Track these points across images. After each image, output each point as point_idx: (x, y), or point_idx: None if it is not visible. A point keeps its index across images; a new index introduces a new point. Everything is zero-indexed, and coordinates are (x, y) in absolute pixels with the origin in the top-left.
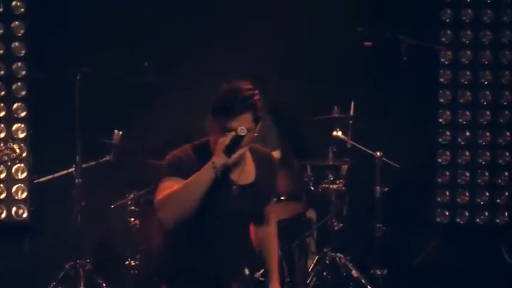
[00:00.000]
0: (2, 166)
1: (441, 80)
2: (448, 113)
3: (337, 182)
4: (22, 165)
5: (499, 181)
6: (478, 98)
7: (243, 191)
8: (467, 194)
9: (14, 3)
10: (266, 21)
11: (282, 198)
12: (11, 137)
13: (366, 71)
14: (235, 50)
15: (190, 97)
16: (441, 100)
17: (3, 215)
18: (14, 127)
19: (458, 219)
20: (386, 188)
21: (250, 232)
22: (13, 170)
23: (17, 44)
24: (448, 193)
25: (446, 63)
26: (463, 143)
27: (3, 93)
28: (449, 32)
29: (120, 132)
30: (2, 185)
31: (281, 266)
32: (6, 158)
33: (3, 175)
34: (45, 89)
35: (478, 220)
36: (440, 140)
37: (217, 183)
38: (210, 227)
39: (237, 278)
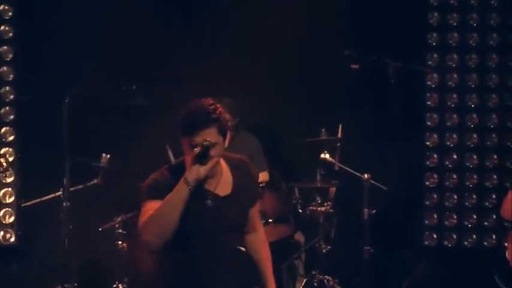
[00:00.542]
0: None
1: (428, 103)
2: (435, 135)
3: (325, 204)
4: (10, 189)
5: (487, 204)
6: (465, 121)
7: (223, 202)
8: (454, 217)
9: (2, 27)
10: (255, 43)
11: (270, 220)
12: None
13: (353, 93)
14: (223, 74)
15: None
16: (428, 123)
17: None
18: (2, 151)
19: (446, 242)
20: (374, 211)
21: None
22: (0, 194)
23: (5, 68)
24: (435, 216)
25: (433, 86)
26: (450, 165)
27: None
28: (435, 55)
29: (108, 156)
30: None
31: None
32: None
33: None
34: (33, 112)
35: (466, 243)
36: (427, 162)
37: (196, 198)
38: (198, 244)
39: None
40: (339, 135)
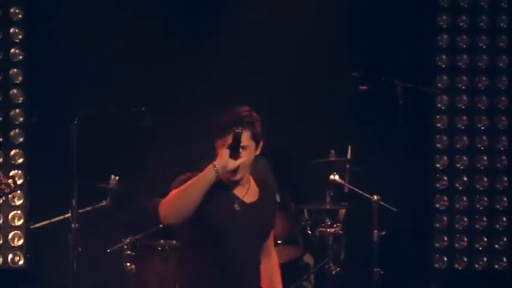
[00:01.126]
0: None
1: (438, 125)
2: (445, 158)
3: (335, 225)
4: (19, 212)
5: (497, 226)
6: (475, 143)
7: (249, 207)
8: (465, 239)
9: (12, 50)
10: (264, 65)
11: (279, 242)
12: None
13: (362, 115)
14: (232, 95)
15: (187, 142)
16: (438, 145)
17: None
18: (11, 173)
19: (456, 265)
20: (384, 232)
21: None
22: (10, 217)
23: (15, 91)
24: (446, 238)
25: (443, 108)
26: (460, 188)
27: (0, 139)
28: (445, 77)
29: (117, 177)
30: None
31: None
32: (1, 194)
33: (0, 221)
34: (42, 133)
35: (476, 266)
36: (437, 185)
37: (224, 201)
38: (225, 249)
39: None
40: (349, 156)
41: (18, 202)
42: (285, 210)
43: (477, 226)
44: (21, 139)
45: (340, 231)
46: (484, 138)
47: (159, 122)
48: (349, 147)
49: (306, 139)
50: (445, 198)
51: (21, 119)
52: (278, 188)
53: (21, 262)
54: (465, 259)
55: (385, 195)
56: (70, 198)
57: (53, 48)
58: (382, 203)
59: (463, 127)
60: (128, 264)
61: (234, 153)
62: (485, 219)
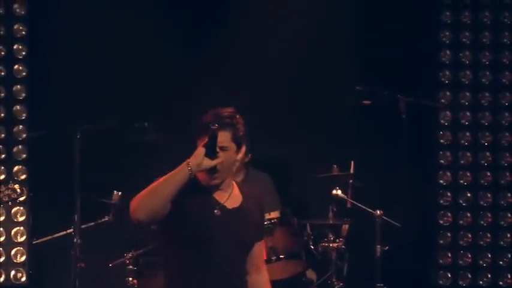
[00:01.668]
0: (1, 228)
1: (441, 141)
2: (448, 174)
3: (337, 240)
4: (21, 228)
5: (501, 243)
6: (479, 159)
7: (230, 213)
8: (469, 256)
9: (15, 66)
10: (266, 78)
11: (281, 256)
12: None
13: (364, 129)
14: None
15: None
16: (441, 161)
17: (1, 279)
18: None
19: (460, 282)
20: (387, 247)
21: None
22: (12, 233)
23: (18, 107)
24: (449, 254)
25: (446, 124)
26: (464, 204)
27: (3, 156)
28: (448, 93)
29: (119, 193)
30: (0, 248)
31: None
32: (7, 199)
33: (2, 238)
34: (44, 149)
35: (481, 282)
36: (441, 201)
37: (204, 206)
38: (204, 257)
39: None
40: (351, 171)
41: (21, 218)
42: (287, 224)
43: (481, 242)
44: (24, 155)
45: (343, 246)
46: (488, 154)
47: (162, 137)
48: (352, 162)
49: (309, 154)
50: (449, 214)
51: (24, 135)
52: (281, 206)
53: (23, 279)
54: (469, 276)
55: (388, 211)
56: (72, 213)
57: (56, 64)
58: (385, 218)
59: (466, 143)
60: (130, 279)
61: (210, 152)
62: (489, 235)
